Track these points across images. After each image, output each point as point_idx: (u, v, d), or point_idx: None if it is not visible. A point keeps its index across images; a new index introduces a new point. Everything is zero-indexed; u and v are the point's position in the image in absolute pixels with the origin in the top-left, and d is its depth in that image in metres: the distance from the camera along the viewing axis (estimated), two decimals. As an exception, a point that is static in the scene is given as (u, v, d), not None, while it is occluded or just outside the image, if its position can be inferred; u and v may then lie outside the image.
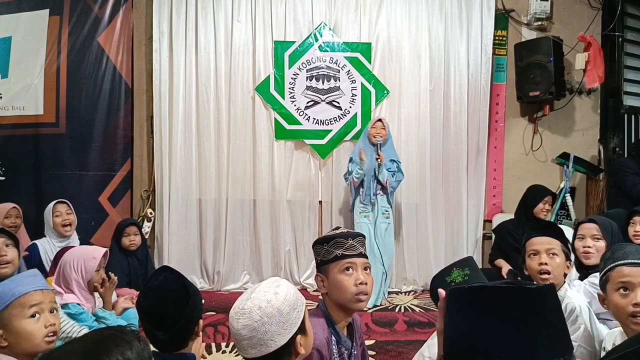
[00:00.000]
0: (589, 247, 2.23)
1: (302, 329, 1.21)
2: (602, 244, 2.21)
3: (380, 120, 3.79)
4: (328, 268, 1.54)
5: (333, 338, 1.52)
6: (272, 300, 1.16)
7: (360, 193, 3.74)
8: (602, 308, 1.54)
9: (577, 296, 1.84)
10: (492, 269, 3.58)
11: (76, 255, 2.25)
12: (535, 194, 3.60)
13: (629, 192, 3.50)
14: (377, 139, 3.67)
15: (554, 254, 1.81)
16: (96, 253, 2.28)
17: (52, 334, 1.42)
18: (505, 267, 3.49)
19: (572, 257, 2.36)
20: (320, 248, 1.57)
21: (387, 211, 3.72)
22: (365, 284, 1.51)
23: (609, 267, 1.46)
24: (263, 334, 1.13)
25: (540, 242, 1.85)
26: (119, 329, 0.87)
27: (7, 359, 1.33)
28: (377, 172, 3.65)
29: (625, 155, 4.35)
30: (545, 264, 1.79)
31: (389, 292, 4.03)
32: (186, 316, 1.43)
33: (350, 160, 3.80)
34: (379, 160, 3.62)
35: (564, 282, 1.85)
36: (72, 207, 3.26)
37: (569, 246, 1.94)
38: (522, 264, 1.92)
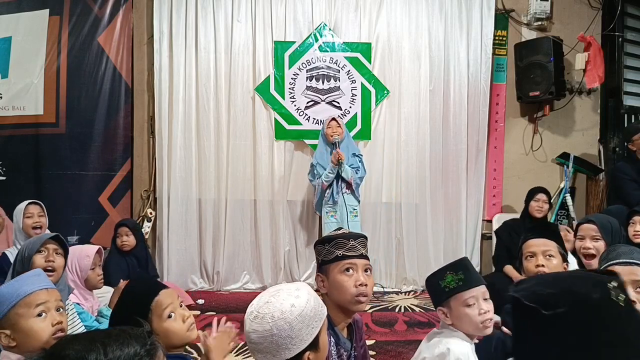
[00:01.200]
0: (589, 248, 2.24)
1: (314, 345, 1.15)
2: (601, 244, 2.22)
3: (334, 119, 3.80)
4: (328, 268, 1.54)
5: (332, 339, 1.50)
6: (287, 312, 1.12)
7: (327, 193, 3.72)
8: None
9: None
10: (499, 274, 3.42)
11: (70, 255, 2.26)
12: (529, 193, 3.64)
13: (624, 200, 3.49)
14: (335, 138, 3.66)
15: (550, 255, 1.82)
16: (89, 251, 2.29)
17: (59, 331, 1.43)
18: (516, 276, 3.42)
19: (574, 259, 2.37)
20: (321, 248, 1.57)
21: (354, 209, 3.71)
22: (366, 285, 1.51)
23: (602, 267, 1.49)
24: (270, 344, 1.11)
25: (537, 244, 1.85)
26: (128, 331, 0.84)
27: (17, 357, 1.34)
28: (340, 171, 3.63)
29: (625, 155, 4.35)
30: (542, 265, 1.80)
31: (389, 292, 4.03)
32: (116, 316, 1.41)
33: (312, 165, 3.79)
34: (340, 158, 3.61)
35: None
36: (45, 209, 2.96)
37: (566, 247, 1.95)
38: (520, 266, 1.92)
